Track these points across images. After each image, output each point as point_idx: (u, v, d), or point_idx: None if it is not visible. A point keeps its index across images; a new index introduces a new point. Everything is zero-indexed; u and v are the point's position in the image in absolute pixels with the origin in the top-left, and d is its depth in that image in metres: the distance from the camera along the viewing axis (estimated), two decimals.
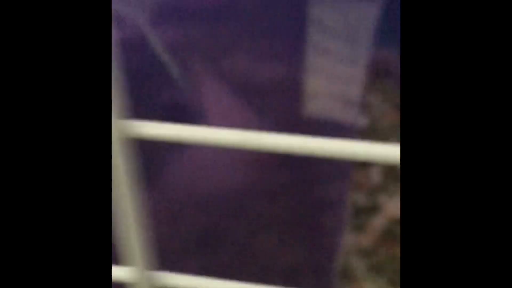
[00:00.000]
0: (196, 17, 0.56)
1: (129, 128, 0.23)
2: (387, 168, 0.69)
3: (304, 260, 0.59)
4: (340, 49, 0.57)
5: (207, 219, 0.57)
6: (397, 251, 0.63)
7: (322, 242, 0.59)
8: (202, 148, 0.57)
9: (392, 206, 0.61)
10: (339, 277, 0.61)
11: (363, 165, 0.69)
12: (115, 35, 0.53)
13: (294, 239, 0.59)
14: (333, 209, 0.60)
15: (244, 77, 0.58)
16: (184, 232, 0.58)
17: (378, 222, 0.65)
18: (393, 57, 0.75)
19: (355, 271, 0.62)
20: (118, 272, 0.25)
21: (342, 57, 0.57)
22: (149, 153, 0.57)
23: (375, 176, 0.69)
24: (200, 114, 0.57)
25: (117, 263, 0.52)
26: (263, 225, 0.59)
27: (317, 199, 0.60)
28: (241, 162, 0.58)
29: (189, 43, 0.56)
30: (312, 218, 0.59)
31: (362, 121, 0.71)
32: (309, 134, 0.59)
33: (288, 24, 0.58)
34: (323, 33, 0.58)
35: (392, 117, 0.72)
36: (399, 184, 0.68)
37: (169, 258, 0.57)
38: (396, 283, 0.62)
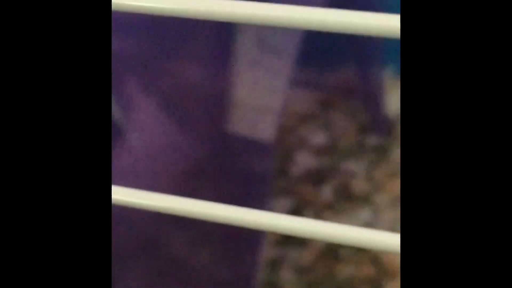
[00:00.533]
0: (124, 31, 0.57)
1: None
2: (339, 187, 0.68)
3: (229, 275, 0.58)
4: (267, 60, 0.57)
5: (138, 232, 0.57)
6: (336, 269, 0.62)
7: (243, 256, 0.58)
8: (124, 158, 0.57)
9: None
10: None
11: (315, 182, 0.68)
12: None
13: (222, 254, 0.58)
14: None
15: (169, 88, 0.58)
16: (115, 244, 0.57)
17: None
18: (356, 76, 0.73)
19: (285, 285, 0.61)
20: None
21: (268, 69, 0.56)
22: None
23: (326, 194, 0.67)
24: (128, 129, 0.57)
25: None
26: (196, 241, 0.58)
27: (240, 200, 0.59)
28: (163, 171, 0.57)
29: (116, 56, 0.56)
30: (236, 233, 0.58)
31: (320, 138, 0.70)
32: (230, 149, 0.59)
33: (216, 33, 0.58)
34: (251, 43, 0.57)
35: (352, 137, 0.71)
36: (348, 204, 0.66)
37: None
38: None
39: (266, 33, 0.55)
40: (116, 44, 0.56)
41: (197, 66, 0.57)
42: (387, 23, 0.19)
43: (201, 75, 0.57)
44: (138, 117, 0.56)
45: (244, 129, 0.57)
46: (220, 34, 0.57)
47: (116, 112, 0.56)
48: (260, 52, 0.55)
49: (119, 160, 0.55)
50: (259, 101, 0.56)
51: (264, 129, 0.57)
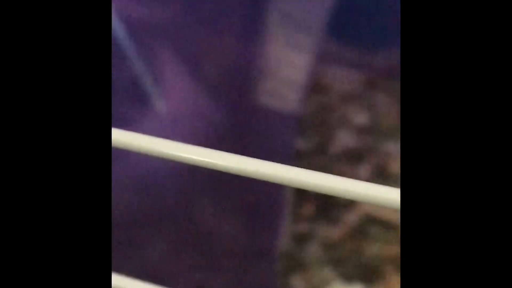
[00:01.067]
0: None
1: None
2: (377, 167, 0.67)
3: (247, 243, 0.59)
4: (294, 36, 0.57)
5: (166, 197, 0.58)
6: (363, 247, 0.62)
7: (264, 226, 0.59)
8: (156, 120, 0.58)
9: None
10: (286, 263, 0.61)
11: (353, 161, 0.68)
12: None
13: (238, 221, 0.59)
14: (274, 194, 0.59)
15: (200, 57, 0.59)
16: (145, 209, 0.59)
17: (350, 217, 0.63)
18: (396, 57, 0.73)
19: (312, 260, 0.61)
20: None
21: (295, 44, 0.57)
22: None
23: (364, 173, 0.67)
24: (157, 96, 0.58)
25: None
26: (211, 205, 0.59)
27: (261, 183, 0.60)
28: (192, 138, 0.58)
29: (150, 24, 0.57)
30: (255, 202, 0.59)
31: (361, 117, 0.70)
32: (259, 122, 0.59)
33: (249, 5, 0.59)
34: (279, 20, 0.58)
35: (394, 118, 0.71)
36: (385, 184, 0.66)
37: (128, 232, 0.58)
38: (354, 276, 0.61)
39: (296, 8, 0.55)
40: (148, 12, 0.57)
41: (229, 37, 0.58)
42: None
43: (232, 46, 0.57)
44: (169, 85, 0.57)
45: (273, 101, 0.58)
46: (253, 7, 0.58)
47: (147, 79, 0.57)
48: (290, 27, 0.56)
49: (149, 125, 0.56)
50: (287, 75, 0.56)
51: (292, 102, 0.58)
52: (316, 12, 0.57)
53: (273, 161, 0.62)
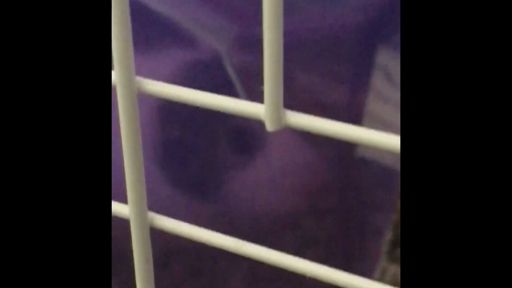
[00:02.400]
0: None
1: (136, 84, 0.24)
2: None
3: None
4: (396, 97, 0.59)
5: (254, 233, 0.61)
6: None
7: (359, 268, 0.61)
8: (261, 169, 0.61)
9: None
10: None
11: None
12: (190, 55, 0.59)
13: (335, 262, 0.61)
14: (373, 237, 0.61)
15: (305, 109, 0.61)
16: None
17: None
18: None
19: None
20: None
21: (396, 105, 0.58)
22: (207, 170, 0.61)
23: None
24: (262, 142, 0.61)
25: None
26: (310, 245, 0.62)
27: (360, 225, 0.62)
28: (292, 185, 0.61)
29: (257, 71, 0.60)
30: (353, 244, 0.61)
31: None
32: (360, 174, 0.61)
33: (352, 67, 0.61)
34: (386, 80, 0.60)
35: None
36: None
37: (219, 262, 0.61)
38: None
39: (395, 68, 0.57)
40: (255, 59, 0.60)
41: (334, 88, 0.60)
42: None
43: (336, 107, 0.60)
44: (275, 134, 0.60)
45: (372, 154, 0.60)
46: (359, 57, 0.60)
47: (253, 128, 0.59)
48: (389, 85, 0.58)
49: (252, 175, 0.59)
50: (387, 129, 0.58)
51: (391, 156, 0.60)
52: None
53: (375, 215, 0.65)
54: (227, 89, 0.58)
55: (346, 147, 0.60)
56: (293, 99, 0.60)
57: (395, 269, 0.64)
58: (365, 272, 0.61)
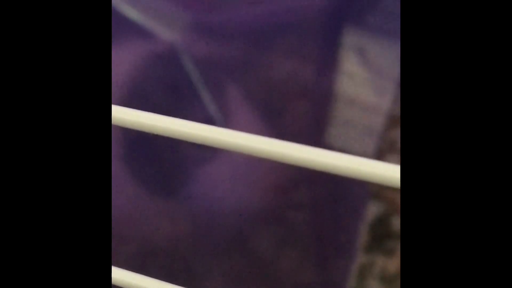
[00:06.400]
0: (230, 33, 0.58)
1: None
2: None
3: (318, 279, 0.60)
4: (370, 78, 0.58)
5: (227, 233, 0.59)
6: None
7: (336, 262, 0.60)
8: (224, 165, 0.59)
9: None
10: None
11: None
12: (143, 48, 0.57)
13: (312, 257, 0.60)
14: (349, 229, 0.60)
15: (269, 96, 0.59)
16: (206, 242, 0.60)
17: None
18: None
19: None
20: None
21: (370, 87, 0.57)
22: (171, 166, 0.60)
23: None
24: None
25: None
26: (285, 242, 0.60)
27: (335, 218, 0.61)
28: (261, 179, 0.59)
29: (221, 60, 0.58)
30: (329, 236, 0.60)
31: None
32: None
33: (318, 47, 0.59)
34: (355, 60, 0.58)
35: None
36: None
37: (194, 263, 0.60)
38: None
39: (373, 52, 0.56)
40: (219, 51, 0.58)
41: (300, 78, 0.59)
42: None
43: (304, 87, 0.58)
44: (239, 125, 0.58)
45: (343, 143, 0.59)
46: (323, 51, 0.59)
47: (217, 118, 0.58)
48: (364, 69, 0.56)
49: (218, 168, 0.57)
50: (360, 119, 0.57)
51: (364, 146, 0.58)
52: (394, 56, 0.58)
53: (348, 202, 0.63)
54: (186, 80, 0.57)
55: (314, 135, 0.59)
56: (266, 82, 0.58)
57: (383, 262, 0.63)
58: (342, 267, 0.60)
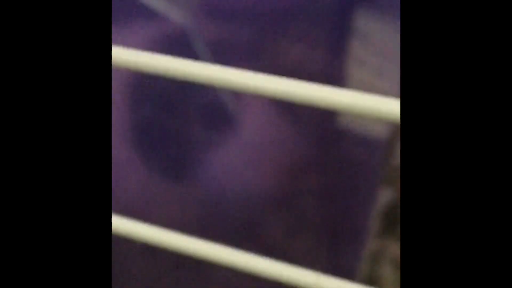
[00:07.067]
0: (241, 16, 0.58)
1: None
2: None
3: (330, 264, 0.59)
4: (380, 63, 0.57)
5: (237, 218, 0.59)
6: None
7: (348, 248, 0.60)
8: (234, 150, 0.59)
9: None
10: (365, 284, 0.62)
11: None
12: (154, 31, 0.56)
13: (322, 243, 0.60)
14: (361, 215, 0.60)
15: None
16: (215, 227, 0.60)
17: None
18: None
19: (385, 281, 0.62)
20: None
21: (381, 72, 0.57)
22: (181, 150, 0.59)
23: None
24: (236, 119, 0.59)
25: None
26: (296, 228, 0.60)
27: (346, 204, 0.61)
28: (272, 164, 0.59)
29: (231, 43, 0.58)
30: (340, 222, 0.59)
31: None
32: (341, 146, 0.60)
33: (329, 32, 0.59)
34: (365, 46, 0.58)
35: None
36: None
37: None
38: None
39: (374, 34, 0.55)
40: (230, 33, 0.58)
41: (310, 63, 0.58)
42: None
43: (314, 72, 0.58)
44: (250, 110, 0.58)
45: (355, 125, 0.58)
46: (334, 37, 0.58)
47: (230, 103, 0.58)
48: (374, 54, 0.56)
49: (229, 151, 0.57)
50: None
51: (377, 127, 0.58)
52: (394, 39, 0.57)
53: (360, 188, 0.63)
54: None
55: (326, 118, 0.59)
56: (277, 65, 0.58)
57: (395, 248, 0.62)
58: (354, 252, 0.59)
